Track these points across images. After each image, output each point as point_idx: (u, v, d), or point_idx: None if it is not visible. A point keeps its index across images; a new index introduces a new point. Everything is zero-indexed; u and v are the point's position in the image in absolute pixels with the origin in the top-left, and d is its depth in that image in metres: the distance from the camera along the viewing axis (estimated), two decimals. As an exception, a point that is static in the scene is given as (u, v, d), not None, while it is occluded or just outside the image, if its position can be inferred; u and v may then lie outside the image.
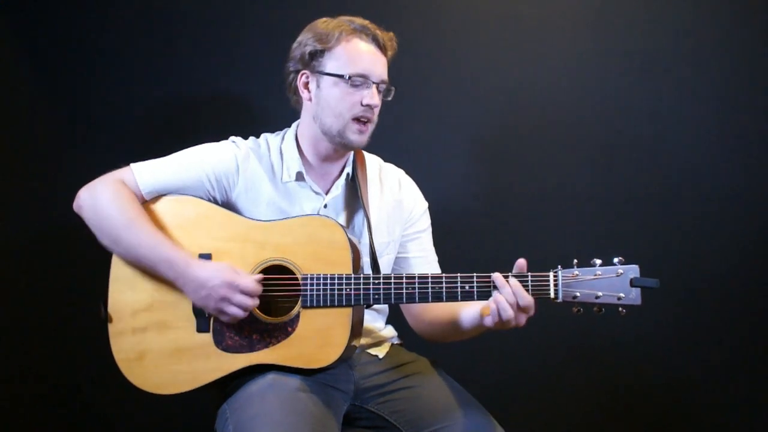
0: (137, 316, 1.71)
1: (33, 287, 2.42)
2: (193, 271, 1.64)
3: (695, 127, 2.45)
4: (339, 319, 1.64)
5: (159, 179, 1.75)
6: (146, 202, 1.74)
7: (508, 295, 1.57)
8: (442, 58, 2.47)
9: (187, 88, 2.49)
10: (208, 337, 1.68)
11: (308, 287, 1.65)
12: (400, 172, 1.97)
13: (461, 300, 1.63)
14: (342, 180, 1.84)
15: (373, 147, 1.86)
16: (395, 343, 1.94)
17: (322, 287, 1.64)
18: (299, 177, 1.80)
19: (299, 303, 1.66)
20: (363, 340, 1.81)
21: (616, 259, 1.57)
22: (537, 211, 2.46)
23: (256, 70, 2.45)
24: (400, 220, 1.90)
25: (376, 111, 1.77)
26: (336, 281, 1.64)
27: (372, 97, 1.73)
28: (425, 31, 2.46)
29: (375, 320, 1.89)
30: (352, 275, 1.65)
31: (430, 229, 1.96)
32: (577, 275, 1.57)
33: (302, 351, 1.65)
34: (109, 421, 2.47)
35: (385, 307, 1.93)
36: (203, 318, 1.68)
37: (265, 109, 2.41)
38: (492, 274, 1.60)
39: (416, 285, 1.63)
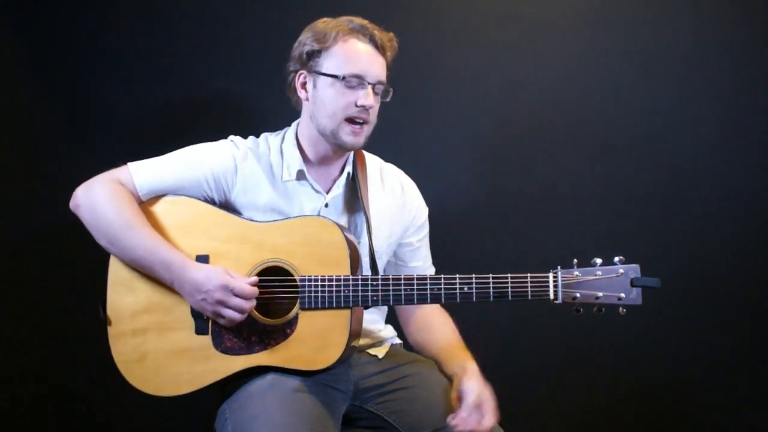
0: (137, 318, 1.70)
1: (33, 287, 2.42)
2: (190, 274, 1.63)
3: (695, 127, 2.44)
4: (338, 321, 1.64)
5: (156, 179, 1.74)
6: (143, 203, 1.74)
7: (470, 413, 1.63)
8: (442, 58, 2.47)
9: (187, 88, 2.49)
10: (207, 339, 1.68)
11: (306, 289, 1.64)
12: (402, 174, 1.95)
13: (459, 302, 1.61)
14: (343, 179, 1.83)
15: (373, 147, 1.86)
16: (395, 343, 1.93)
17: (320, 289, 1.64)
18: (300, 175, 1.79)
19: (297, 305, 1.65)
20: (362, 341, 1.80)
21: (616, 259, 1.56)
22: (537, 211, 2.46)
23: (256, 70, 2.44)
24: (401, 223, 1.89)
25: (372, 112, 1.75)
26: (334, 283, 1.64)
27: (367, 97, 1.71)
28: (425, 31, 2.45)
29: (374, 320, 1.88)
30: (350, 277, 1.64)
31: (428, 236, 1.96)
32: (577, 276, 1.57)
33: (301, 353, 1.64)
34: (109, 421, 2.47)
35: (384, 307, 1.93)
36: (202, 320, 1.68)
37: (265, 109, 2.40)
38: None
39: (414, 287, 1.63)
